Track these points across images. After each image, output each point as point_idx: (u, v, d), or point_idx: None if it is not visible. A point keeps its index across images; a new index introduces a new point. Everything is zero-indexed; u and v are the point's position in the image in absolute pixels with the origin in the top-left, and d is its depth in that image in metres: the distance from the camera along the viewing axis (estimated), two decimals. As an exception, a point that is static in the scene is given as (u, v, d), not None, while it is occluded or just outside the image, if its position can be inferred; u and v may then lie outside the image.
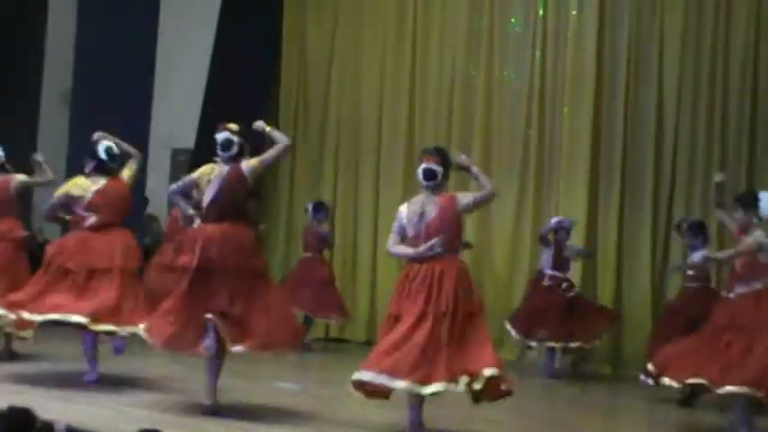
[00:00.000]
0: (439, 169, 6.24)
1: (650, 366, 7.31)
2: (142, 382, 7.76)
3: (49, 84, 11.62)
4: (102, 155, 7.67)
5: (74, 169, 8.96)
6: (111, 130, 9.96)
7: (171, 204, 10.49)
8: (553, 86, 11.29)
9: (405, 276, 6.18)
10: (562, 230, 9.97)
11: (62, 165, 10.88)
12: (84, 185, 7.60)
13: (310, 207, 11.04)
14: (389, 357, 5.94)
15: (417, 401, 6.09)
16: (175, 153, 12.91)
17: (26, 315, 7.33)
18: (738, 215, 7.10)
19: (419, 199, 6.27)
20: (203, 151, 11.91)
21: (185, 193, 7.07)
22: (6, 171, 8.65)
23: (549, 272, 9.89)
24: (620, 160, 10.89)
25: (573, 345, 9.79)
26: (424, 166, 6.24)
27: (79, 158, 8.68)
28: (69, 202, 7.64)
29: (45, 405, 5.53)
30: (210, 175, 6.68)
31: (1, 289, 8.04)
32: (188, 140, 12.33)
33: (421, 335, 5.94)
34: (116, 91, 11.52)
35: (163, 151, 12.73)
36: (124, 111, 11.38)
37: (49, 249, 7.65)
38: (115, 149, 7.75)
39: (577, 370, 10.38)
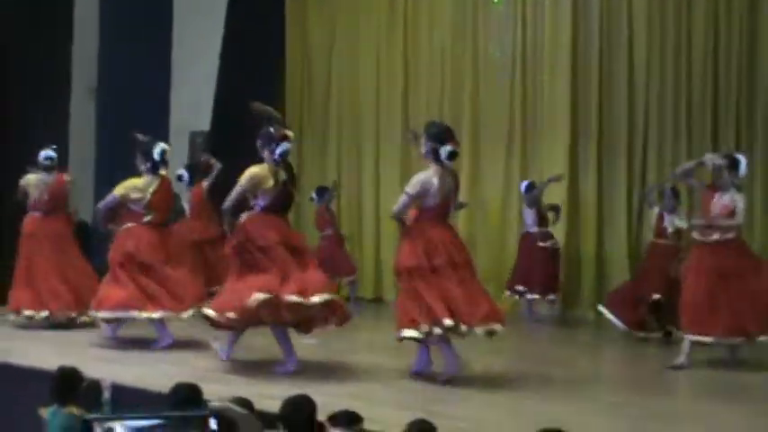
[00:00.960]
0: None
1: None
2: (186, 344, 7.97)
3: (76, 79, 11.60)
4: (157, 156, 7.98)
5: (101, 156, 9.23)
6: (134, 118, 10.25)
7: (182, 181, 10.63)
8: (533, 56, 11.49)
9: (428, 239, 6.50)
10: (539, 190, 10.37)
11: (91, 152, 11.21)
12: (141, 186, 7.98)
13: (314, 194, 11.32)
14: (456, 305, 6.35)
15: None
16: (193, 135, 13.06)
17: (137, 314, 7.78)
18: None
19: (439, 173, 6.59)
20: (218, 133, 12.25)
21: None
22: (55, 170, 9.01)
23: (535, 230, 10.24)
24: (596, 121, 11.05)
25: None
26: (451, 148, 6.58)
27: (105, 146, 8.96)
28: (126, 202, 8.01)
29: (94, 366, 5.73)
30: (264, 174, 6.84)
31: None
32: (204, 123, 12.47)
33: (457, 282, 6.43)
34: (137, 82, 11.66)
35: (182, 134, 12.86)
36: (145, 99, 11.61)
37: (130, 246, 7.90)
38: (169, 153, 8.12)
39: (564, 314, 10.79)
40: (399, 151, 12.07)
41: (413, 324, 6.42)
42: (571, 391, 6.56)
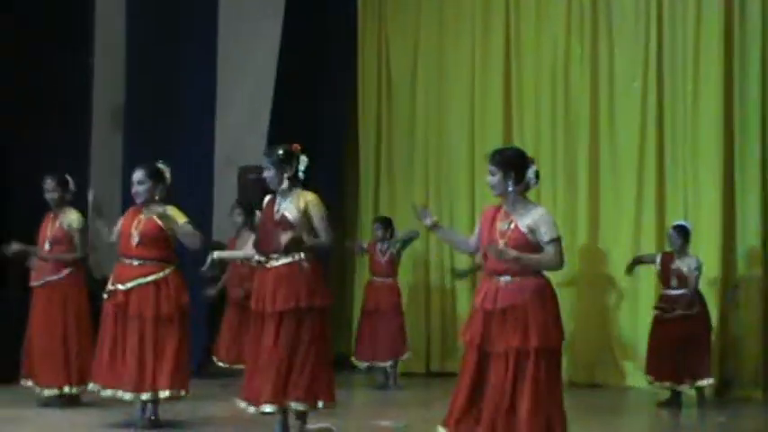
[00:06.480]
0: None
1: None
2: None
3: (98, 101, 10.32)
4: None
5: (128, 194, 7.56)
6: (170, 149, 8.90)
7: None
8: (672, 65, 9.36)
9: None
10: None
11: (118, 189, 9.31)
12: None
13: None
14: None
15: None
16: (243, 171, 11.48)
17: None
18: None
19: None
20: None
21: None
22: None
23: None
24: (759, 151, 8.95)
25: None
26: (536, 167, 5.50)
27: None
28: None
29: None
30: None
31: None
32: (257, 157, 10.50)
33: None
34: (173, 106, 10.08)
35: (229, 169, 11.35)
36: (183, 127, 9.99)
37: None
38: None
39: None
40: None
41: None
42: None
